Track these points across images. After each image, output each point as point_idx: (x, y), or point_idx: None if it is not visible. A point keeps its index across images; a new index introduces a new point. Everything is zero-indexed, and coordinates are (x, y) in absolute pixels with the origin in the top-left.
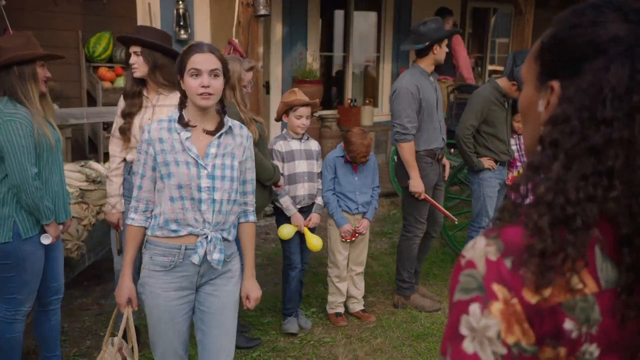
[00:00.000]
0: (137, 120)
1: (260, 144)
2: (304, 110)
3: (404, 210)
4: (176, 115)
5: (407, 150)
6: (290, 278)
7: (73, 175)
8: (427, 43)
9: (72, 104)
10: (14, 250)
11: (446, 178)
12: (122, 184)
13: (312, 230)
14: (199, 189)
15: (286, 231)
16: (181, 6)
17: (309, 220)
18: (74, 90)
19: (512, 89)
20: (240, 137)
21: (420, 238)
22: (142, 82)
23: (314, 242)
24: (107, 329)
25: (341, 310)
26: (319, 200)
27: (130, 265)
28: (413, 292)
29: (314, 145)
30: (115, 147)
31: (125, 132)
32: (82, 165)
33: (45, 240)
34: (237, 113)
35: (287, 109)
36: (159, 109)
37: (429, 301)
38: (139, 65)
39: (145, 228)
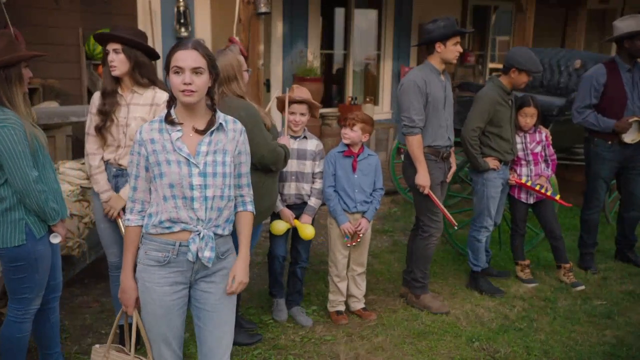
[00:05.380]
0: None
1: (256, 126)
2: (296, 107)
3: (417, 211)
4: (164, 113)
5: (415, 144)
6: (274, 267)
7: (74, 173)
8: (426, 40)
9: (73, 101)
10: (28, 252)
11: (448, 180)
12: (107, 179)
13: None
14: (191, 187)
15: (279, 227)
16: (182, 4)
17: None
18: (74, 87)
19: (514, 76)
20: (233, 131)
21: (437, 238)
22: (118, 80)
23: (307, 231)
24: (108, 327)
25: (342, 308)
26: (311, 202)
27: (132, 265)
28: (425, 291)
29: (311, 145)
30: (92, 145)
31: (101, 130)
32: (83, 163)
33: (55, 239)
34: (248, 106)
35: (284, 106)
36: (134, 107)
37: (439, 303)
38: (118, 63)
39: (141, 227)
